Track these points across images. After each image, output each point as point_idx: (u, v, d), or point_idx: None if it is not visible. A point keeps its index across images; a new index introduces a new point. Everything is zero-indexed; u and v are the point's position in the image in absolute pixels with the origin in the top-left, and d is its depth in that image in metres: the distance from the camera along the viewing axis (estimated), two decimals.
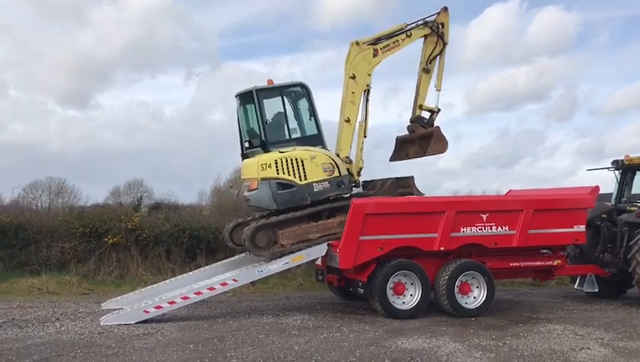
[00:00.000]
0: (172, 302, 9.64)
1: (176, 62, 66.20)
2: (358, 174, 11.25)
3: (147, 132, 53.30)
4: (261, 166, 10.34)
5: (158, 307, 9.56)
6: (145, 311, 9.47)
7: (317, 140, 10.90)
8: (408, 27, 11.66)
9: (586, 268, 12.18)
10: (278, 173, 10.28)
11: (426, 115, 12.10)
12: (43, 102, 54.22)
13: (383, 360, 7.24)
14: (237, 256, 11.82)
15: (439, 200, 10.81)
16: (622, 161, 12.93)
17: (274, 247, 10.30)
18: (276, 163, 10.31)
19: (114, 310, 9.91)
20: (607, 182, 13.32)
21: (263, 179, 10.34)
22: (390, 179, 11.49)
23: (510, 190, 13.44)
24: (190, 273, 11.55)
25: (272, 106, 10.83)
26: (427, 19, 11.86)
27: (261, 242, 10.26)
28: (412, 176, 11.48)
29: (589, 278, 12.11)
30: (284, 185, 10.32)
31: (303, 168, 10.43)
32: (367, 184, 11.79)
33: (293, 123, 11.03)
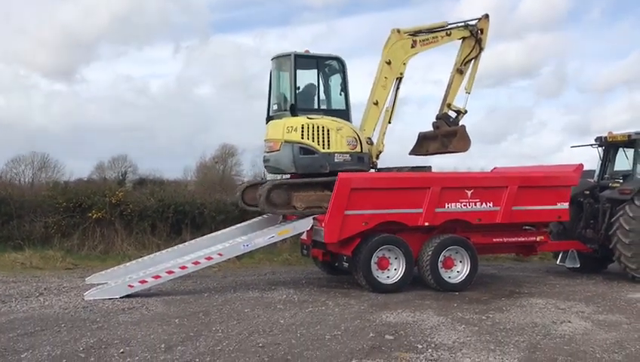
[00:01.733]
0: (157, 277, 9.62)
1: (165, 36, 65.25)
2: (377, 157, 11.36)
3: (133, 106, 52.62)
4: (287, 128, 10.41)
5: (143, 281, 9.54)
6: (129, 286, 9.44)
7: (344, 115, 10.95)
8: (450, 26, 11.83)
9: (569, 244, 12.33)
10: (302, 138, 10.35)
11: (452, 114, 12.23)
12: (27, 76, 53.21)
13: (368, 334, 7.31)
14: (230, 228, 11.78)
15: (424, 175, 10.84)
16: (605, 137, 13.03)
17: (287, 207, 10.38)
18: (302, 127, 10.37)
19: (98, 284, 9.87)
20: (593, 158, 13.48)
21: (286, 142, 10.42)
22: (406, 168, 11.62)
23: (495, 167, 13.52)
24: (175, 247, 11.50)
25: (306, 75, 10.88)
26: (468, 23, 12.01)
27: (276, 200, 10.33)
28: (429, 166, 11.60)
29: (571, 254, 12.27)
30: (306, 150, 10.38)
31: (328, 137, 10.50)
32: (382, 171, 11.83)
33: (323, 94, 11.11)
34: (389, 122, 11.39)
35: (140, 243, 14.13)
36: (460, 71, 12.15)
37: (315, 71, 10.89)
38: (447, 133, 12.00)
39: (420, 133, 12.71)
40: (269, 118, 11.36)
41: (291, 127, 10.39)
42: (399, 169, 11.64)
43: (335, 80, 11.14)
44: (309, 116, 10.49)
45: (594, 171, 13.33)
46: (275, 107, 11.23)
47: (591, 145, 13.35)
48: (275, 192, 10.35)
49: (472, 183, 10.62)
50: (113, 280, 9.92)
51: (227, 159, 40.12)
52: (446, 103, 12.19)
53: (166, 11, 57.85)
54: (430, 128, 12.50)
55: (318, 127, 10.44)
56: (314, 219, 10.24)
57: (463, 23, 11.99)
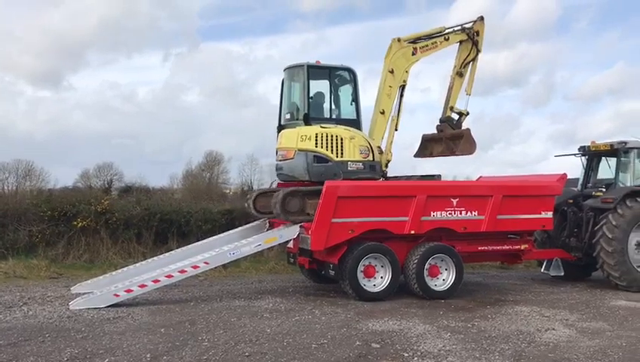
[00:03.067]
0: (143, 286, 9.56)
1: (154, 43, 65.28)
2: (386, 166, 11.47)
3: (120, 114, 52.51)
4: (301, 137, 10.53)
5: (129, 290, 9.48)
6: (115, 295, 9.38)
7: (355, 125, 11.09)
8: (447, 31, 12.08)
9: (553, 253, 12.47)
10: (316, 146, 10.48)
11: (454, 116, 12.44)
12: (12, 83, 52.89)
13: (354, 342, 7.32)
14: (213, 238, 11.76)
15: (410, 184, 10.91)
16: (588, 147, 13.22)
17: (301, 214, 10.44)
18: (316, 136, 10.49)
19: (84, 294, 9.78)
20: (577, 167, 13.64)
21: (300, 150, 10.54)
22: (415, 176, 11.79)
23: (481, 176, 13.65)
24: (161, 256, 11.46)
25: (318, 85, 11.03)
26: (465, 26, 12.25)
27: (291, 207, 10.37)
28: (439, 175, 11.69)
29: (555, 262, 12.40)
30: (320, 158, 10.50)
31: (341, 146, 10.63)
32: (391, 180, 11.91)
33: (334, 104, 11.25)
34: (396, 129, 11.56)
35: (125, 252, 14.03)
36: (459, 74, 12.39)
37: (327, 81, 11.08)
38: (452, 136, 12.20)
39: (424, 136, 12.89)
40: (280, 127, 11.50)
41: (305, 135, 10.52)
42: (409, 177, 11.78)
43: (346, 90, 11.33)
44: (323, 125, 10.62)
45: (578, 180, 13.51)
46: (288, 116, 11.36)
47: (574, 154, 13.55)
48: (290, 199, 10.43)
49: (458, 192, 10.71)
50: (99, 290, 9.83)
51: (213, 167, 40.05)
52: (448, 106, 12.40)
53: (155, 18, 57.86)
54: (423, 132, 12.75)
55: (331, 136, 10.57)
56: (300, 227, 10.26)
57: (459, 27, 12.24)
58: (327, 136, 10.54)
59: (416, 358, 6.70)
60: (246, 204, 11.79)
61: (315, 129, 10.55)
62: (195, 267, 9.88)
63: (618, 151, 12.64)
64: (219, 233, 12.07)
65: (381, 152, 11.29)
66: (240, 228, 11.96)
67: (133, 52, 65.65)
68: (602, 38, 67.38)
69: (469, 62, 12.42)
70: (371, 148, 10.98)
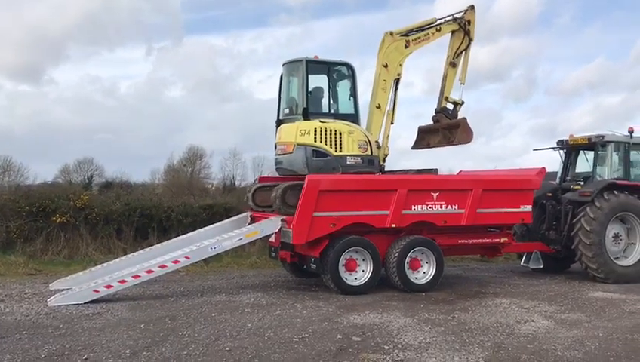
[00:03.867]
0: (123, 281, 9.48)
1: (137, 36, 64.58)
2: (383, 160, 11.52)
3: (101, 108, 51.89)
4: (300, 131, 10.55)
5: (109, 286, 9.39)
6: (95, 291, 9.28)
7: (353, 119, 11.13)
8: (438, 22, 12.13)
9: (532, 246, 12.61)
10: (315, 141, 10.49)
11: (449, 106, 12.52)
12: None
13: (335, 336, 7.34)
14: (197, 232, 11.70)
15: (392, 178, 10.95)
16: (566, 140, 13.35)
17: None
18: (315, 131, 10.50)
19: (62, 290, 9.68)
20: (557, 161, 13.83)
21: (299, 144, 10.56)
22: (412, 170, 11.82)
23: (461, 171, 13.73)
24: (142, 251, 11.37)
25: (316, 80, 11.06)
26: (456, 16, 12.30)
27: (291, 201, 10.33)
28: (436, 169, 11.73)
29: (534, 255, 12.53)
30: (319, 152, 10.53)
31: (340, 140, 10.65)
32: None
33: (332, 99, 11.27)
34: (392, 123, 11.60)
35: (105, 248, 13.91)
36: (452, 64, 12.47)
37: (326, 76, 11.12)
38: (448, 126, 12.30)
39: (420, 127, 12.98)
40: (279, 122, 11.53)
41: (304, 130, 10.54)
42: (405, 171, 11.83)
43: (344, 85, 11.36)
44: (322, 120, 10.65)
45: (557, 173, 13.65)
46: (287, 111, 11.38)
47: (553, 148, 13.68)
48: (290, 193, 10.43)
49: (438, 186, 10.76)
50: (78, 286, 9.72)
51: (195, 162, 39.83)
52: (443, 97, 12.48)
53: (138, 11, 57.21)
54: (419, 125, 12.88)
55: (330, 131, 10.60)
56: (282, 220, 10.25)
57: (450, 17, 12.31)
58: (326, 131, 10.57)
59: (396, 351, 6.73)
60: (245, 198, 11.76)
61: (314, 123, 10.58)
62: (175, 262, 9.82)
63: (596, 144, 12.80)
64: (200, 228, 12.00)
65: (379, 147, 11.35)
66: (221, 222, 11.92)
67: (115, 45, 64.94)
68: (583, 32, 68.17)
69: (462, 51, 12.49)
70: (369, 142, 11.02)
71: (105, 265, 10.84)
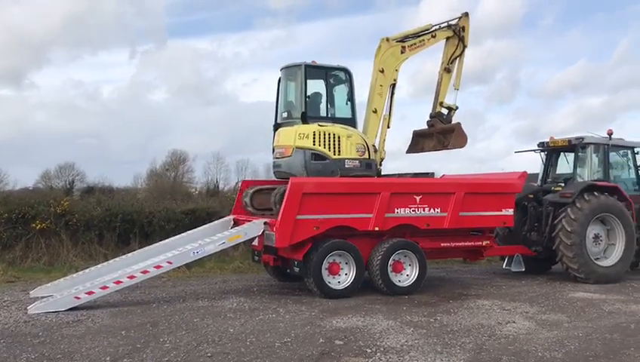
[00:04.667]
0: (104, 287, 9.37)
1: (120, 40, 64.22)
2: (380, 164, 11.58)
3: (83, 113, 51.48)
4: (299, 135, 10.59)
5: (90, 292, 9.28)
6: (76, 297, 9.17)
7: (350, 123, 11.19)
8: (433, 28, 12.27)
9: (514, 249, 12.72)
10: (314, 144, 10.55)
11: (444, 111, 12.64)
12: None
13: (318, 340, 7.32)
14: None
15: (375, 181, 10.98)
16: (547, 143, 13.50)
17: None
18: (314, 134, 10.57)
19: (43, 297, 9.56)
20: (538, 162, 13.94)
21: (298, 148, 10.59)
22: (408, 174, 11.91)
23: (444, 174, 13.82)
24: (123, 256, 11.26)
25: (314, 84, 11.12)
26: (450, 23, 12.47)
27: None
28: (432, 173, 11.86)
29: (516, 258, 12.64)
30: (317, 156, 10.58)
31: (339, 144, 10.72)
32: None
33: (330, 103, 11.33)
34: (388, 127, 11.70)
35: (86, 254, 13.77)
36: (447, 70, 12.61)
37: (323, 81, 11.19)
38: (443, 131, 12.42)
39: (415, 131, 13.08)
40: (277, 125, 11.56)
41: (303, 133, 10.58)
42: (402, 175, 11.90)
43: (341, 89, 11.43)
44: (320, 124, 10.71)
45: (538, 175, 13.79)
46: (285, 115, 11.41)
47: (534, 150, 13.82)
48: None
49: (421, 189, 10.80)
50: (59, 293, 9.60)
51: (178, 166, 39.65)
52: (438, 102, 12.60)
53: (122, 14, 56.82)
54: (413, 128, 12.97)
55: (329, 134, 10.66)
56: (265, 223, 10.22)
57: (445, 24, 12.46)
58: (324, 135, 10.63)
59: (379, 354, 6.74)
60: (243, 202, 11.72)
61: (312, 127, 10.64)
62: (157, 267, 9.74)
63: (576, 146, 12.95)
64: (182, 233, 11.91)
65: (376, 150, 11.43)
66: (204, 226, 11.85)
67: (98, 49, 64.58)
68: (566, 34, 69.06)
69: (456, 57, 12.62)
70: (367, 146, 11.10)
71: (86, 271, 10.70)
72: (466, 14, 12.66)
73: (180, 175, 38.69)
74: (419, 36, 12.03)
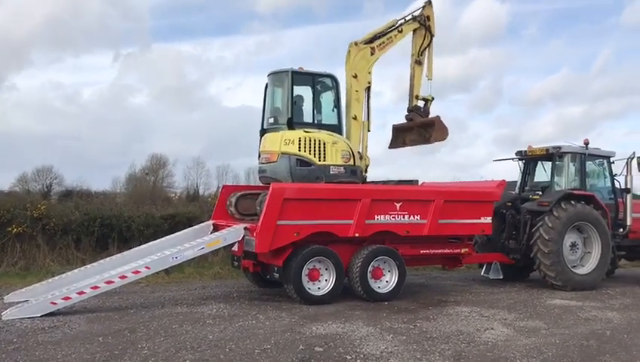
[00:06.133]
0: (81, 293, 9.22)
1: (104, 42, 63.57)
2: (365, 171, 11.62)
3: (63, 115, 50.86)
4: (284, 141, 10.63)
5: (67, 298, 9.13)
6: (52, 303, 9.02)
7: (336, 130, 11.23)
8: (399, 23, 12.27)
9: (492, 256, 12.85)
10: (299, 150, 10.60)
11: (420, 104, 12.69)
12: None
13: (298, 346, 7.30)
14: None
15: (355, 187, 11.00)
16: (525, 151, 13.67)
17: None
18: (299, 140, 10.61)
19: (18, 303, 9.37)
20: (517, 171, 14.11)
21: (283, 153, 10.64)
22: (392, 181, 11.95)
23: (423, 182, 13.88)
24: (101, 261, 11.11)
25: (301, 90, 11.15)
26: (414, 14, 12.48)
27: None
28: (416, 180, 11.88)
29: (494, 266, 12.77)
30: (302, 161, 10.63)
31: (324, 150, 10.76)
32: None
33: (316, 109, 11.32)
34: (369, 130, 11.72)
35: (63, 259, 13.58)
36: (418, 62, 12.67)
37: (310, 86, 11.21)
38: (422, 124, 12.48)
39: (394, 126, 13.12)
40: (263, 131, 11.58)
41: (289, 139, 10.63)
42: (386, 182, 11.86)
43: (327, 96, 11.45)
44: (306, 130, 10.74)
45: (516, 183, 13.95)
46: (271, 120, 11.41)
47: (512, 158, 13.99)
48: None
49: (401, 196, 10.85)
50: (34, 298, 9.44)
51: (158, 170, 39.33)
52: (414, 95, 12.65)
53: (105, 16, 56.30)
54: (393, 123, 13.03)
55: (314, 141, 10.70)
56: (245, 229, 10.18)
57: (410, 16, 12.48)
58: (310, 141, 10.67)
59: (359, 361, 6.74)
60: (229, 211, 11.68)
61: (298, 133, 10.67)
62: (136, 272, 9.63)
63: (553, 155, 13.14)
64: (161, 238, 11.80)
65: (362, 157, 11.47)
66: (183, 231, 11.75)
67: (82, 52, 63.95)
68: (549, 44, 70.12)
69: (425, 48, 12.68)
70: (352, 153, 11.16)
71: (62, 276, 10.52)
72: (429, 2, 12.69)
73: (159, 179, 38.37)
74: (386, 34, 12.05)
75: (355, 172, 11.17)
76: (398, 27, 12.24)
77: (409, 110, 12.73)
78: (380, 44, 11.90)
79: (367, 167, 11.70)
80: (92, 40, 61.35)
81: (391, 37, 12.08)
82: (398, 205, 10.68)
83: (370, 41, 11.79)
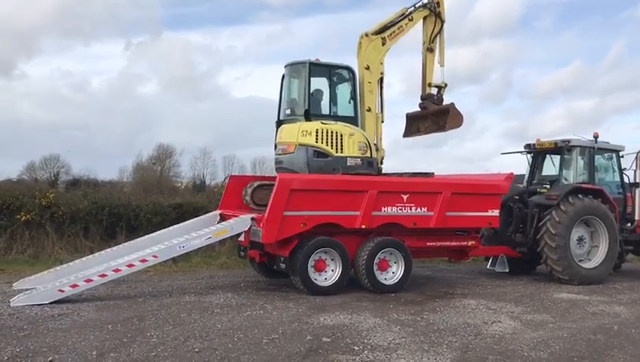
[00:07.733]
0: (89, 281, 9.28)
1: (115, 31, 63.57)
2: (381, 163, 11.64)
3: (71, 104, 50.93)
4: (302, 132, 10.65)
5: (74, 286, 9.19)
6: (60, 290, 9.08)
7: (352, 122, 11.25)
8: (409, 11, 12.19)
9: (499, 249, 12.84)
10: (316, 142, 10.63)
11: (433, 91, 12.64)
12: None
13: (305, 337, 7.34)
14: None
15: (362, 179, 10.99)
16: (533, 145, 13.62)
17: None
18: (317, 132, 10.63)
19: (26, 290, 9.46)
20: (525, 164, 14.06)
21: (301, 145, 10.66)
22: (406, 173, 11.87)
23: None
24: (109, 249, 11.19)
25: (317, 82, 11.17)
26: (424, 1, 12.37)
27: None
28: (432, 173, 11.80)
29: (500, 259, 12.76)
30: (320, 153, 10.66)
31: (341, 142, 10.79)
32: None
33: (333, 101, 11.34)
34: (382, 121, 11.74)
35: (72, 247, 13.66)
36: (430, 49, 12.56)
37: (327, 79, 11.23)
38: (437, 112, 12.44)
39: (408, 114, 13.08)
40: (279, 122, 11.60)
41: (306, 131, 10.65)
42: (400, 174, 11.88)
43: (344, 87, 11.47)
44: (323, 121, 10.76)
45: (524, 176, 13.91)
46: (288, 111, 11.45)
47: (520, 152, 13.94)
48: None
49: (408, 188, 10.85)
50: (43, 285, 9.50)
51: (165, 160, 39.42)
52: (426, 83, 12.59)
53: (115, 5, 56.17)
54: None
55: (331, 132, 10.72)
56: (252, 219, 10.21)
57: (420, 3, 12.38)
58: (327, 132, 10.69)
59: (366, 351, 6.77)
60: (244, 200, 11.64)
61: (315, 125, 10.69)
62: (143, 261, 9.66)
63: (562, 149, 13.08)
64: (169, 227, 11.85)
65: (377, 149, 11.48)
66: (190, 220, 11.79)
67: (92, 40, 63.86)
68: (563, 36, 69.55)
69: (437, 35, 12.59)
70: (369, 144, 11.17)
71: (71, 264, 10.61)
72: None
73: (166, 169, 38.47)
74: (396, 23, 11.98)
75: (371, 163, 11.19)
76: (408, 15, 12.16)
77: (422, 98, 12.66)
78: (391, 34, 11.85)
79: (382, 158, 11.70)
80: (102, 28, 61.43)
81: (401, 25, 12.02)
82: (405, 197, 10.67)
83: (381, 31, 11.74)
